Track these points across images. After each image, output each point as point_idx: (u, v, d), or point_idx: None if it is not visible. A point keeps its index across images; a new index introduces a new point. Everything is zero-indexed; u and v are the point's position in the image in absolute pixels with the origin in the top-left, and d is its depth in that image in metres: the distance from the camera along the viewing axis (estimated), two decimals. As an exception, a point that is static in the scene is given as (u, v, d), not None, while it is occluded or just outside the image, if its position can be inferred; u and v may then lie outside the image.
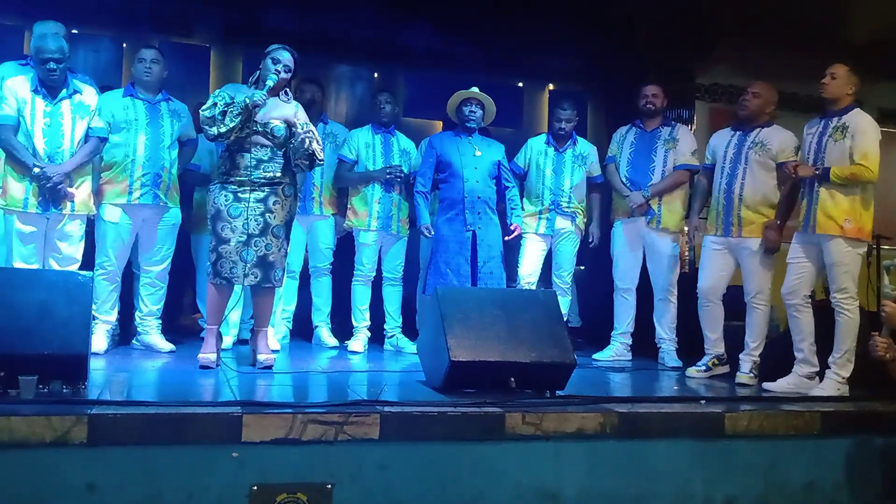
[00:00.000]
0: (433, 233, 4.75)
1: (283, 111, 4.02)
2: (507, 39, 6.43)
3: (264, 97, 3.87)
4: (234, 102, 3.86)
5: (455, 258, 4.67)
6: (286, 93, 4.09)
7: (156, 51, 4.56)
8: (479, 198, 4.74)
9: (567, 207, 5.11)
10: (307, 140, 3.91)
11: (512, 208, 4.89)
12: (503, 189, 4.90)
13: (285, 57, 4.00)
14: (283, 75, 3.97)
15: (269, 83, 3.90)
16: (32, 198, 4.02)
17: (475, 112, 4.82)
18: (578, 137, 5.27)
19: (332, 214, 5.18)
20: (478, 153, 4.81)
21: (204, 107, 3.92)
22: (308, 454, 2.85)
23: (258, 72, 4.02)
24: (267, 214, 3.94)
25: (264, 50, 4.05)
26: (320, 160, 4.07)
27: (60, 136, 4.06)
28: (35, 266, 4.04)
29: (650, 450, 3.23)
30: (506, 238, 4.83)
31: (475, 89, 4.83)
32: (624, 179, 5.00)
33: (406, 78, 6.79)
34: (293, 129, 3.98)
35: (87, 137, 4.15)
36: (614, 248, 5.07)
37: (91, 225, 4.37)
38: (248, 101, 3.84)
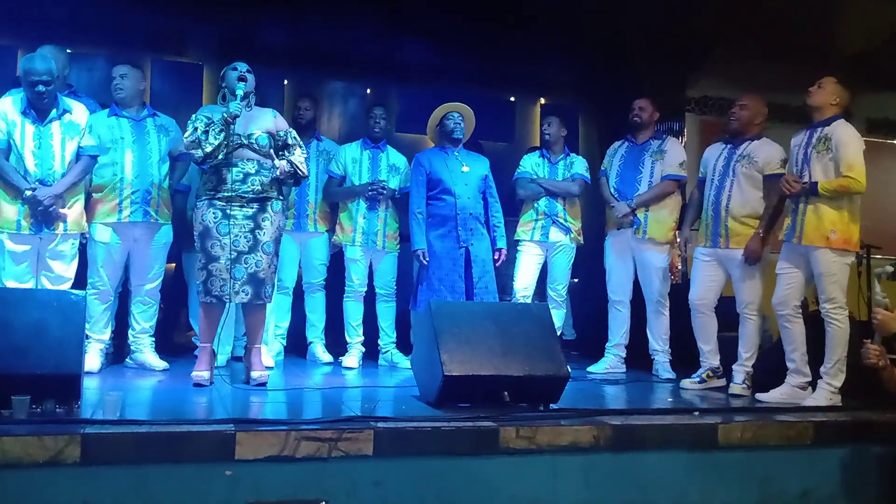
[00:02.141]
0: (427, 259, 4.69)
1: (262, 121, 4.03)
2: (499, 54, 6.46)
3: (240, 107, 3.89)
4: (213, 122, 3.88)
5: (449, 275, 4.64)
6: (249, 100, 4.04)
7: (127, 66, 4.50)
8: (470, 214, 4.73)
9: (563, 220, 5.15)
10: (284, 170, 3.96)
11: (496, 225, 4.86)
12: (487, 204, 4.87)
13: (242, 64, 4.00)
14: (248, 80, 3.97)
15: (239, 92, 3.90)
16: (24, 220, 4.02)
17: (460, 124, 4.83)
18: (571, 153, 5.37)
19: (326, 230, 5.20)
20: (465, 168, 4.80)
21: (185, 134, 3.93)
22: (302, 471, 2.85)
23: (222, 90, 4.02)
24: (256, 231, 3.93)
25: (222, 71, 4.05)
26: (304, 174, 4.09)
27: (51, 157, 4.06)
28: (27, 285, 4.04)
29: (645, 462, 3.24)
30: (496, 265, 4.83)
31: (449, 103, 4.86)
32: (612, 190, 5.05)
33: (399, 93, 6.82)
34: (275, 139, 4.01)
35: (78, 156, 4.15)
36: (606, 261, 5.12)
37: (84, 244, 4.37)
38: (225, 115, 3.85)
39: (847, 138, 3.91)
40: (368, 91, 6.81)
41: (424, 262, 4.71)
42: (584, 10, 5.83)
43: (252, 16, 6.05)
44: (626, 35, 6.22)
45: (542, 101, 7.14)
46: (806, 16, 5.75)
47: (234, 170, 3.91)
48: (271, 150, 4.02)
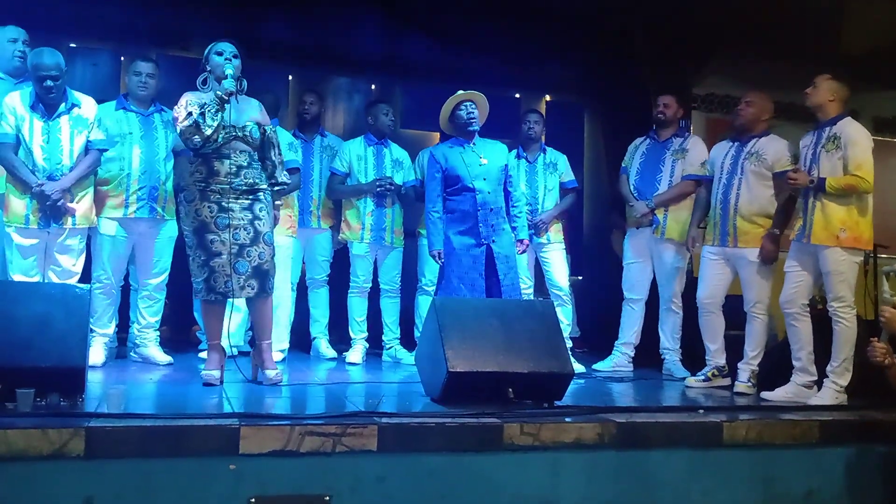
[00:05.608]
0: (443, 260, 4.46)
1: (251, 112, 3.90)
2: (505, 51, 6.44)
3: (234, 84, 3.72)
4: (206, 104, 3.70)
5: (469, 273, 4.39)
6: (241, 84, 3.85)
7: (153, 64, 4.51)
8: (491, 210, 4.42)
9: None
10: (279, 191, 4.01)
11: (516, 216, 4.59)
12: (507, 194, 4.59)
13: (228, 47, 3.83)
14: (235, 62, 3.79)
15: (229, 72, 3.72)
16: (33, 214, 4.02)
17: (473, 113, 4.46)
18: (547, 147, 5.31)
19: (330, 227, 5.19)
20: (483, 161, 4.45)
21: (179, 119, 3.71)
22: (306, 466, 2.85)
23: (205, 74, 3.83)
24: (256, 222, 3.81)
25: (205, 53, 3.88)
26: (287, 185, 4.06)
27: (59, 151, 4.06)
28: (35, 279, 4.03)
29: (649, 460, 3.22)
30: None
31: (461, 91, 4.55)
32: (632, 189, 5.03)
33: (403, 89, 6.81)
34: (263, 133, 3.90)
35: (86, 150, 4.15)
36: (625, 258, 5.10)
37: (90, 238, 4.37)
38: (219, 93, 3.69)
39: (856, 137, 3.89)
40: (373, 87, 6.80)
41: (439, 262, 4.50)
42: (590, 7, 5.82)
43: (257, 11, 6.04)
44: (632, 32, 6.21)
45: (548, 98, 7.12)
46: (813, 14, 5.74)
47: (227, 162, 3.78)
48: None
